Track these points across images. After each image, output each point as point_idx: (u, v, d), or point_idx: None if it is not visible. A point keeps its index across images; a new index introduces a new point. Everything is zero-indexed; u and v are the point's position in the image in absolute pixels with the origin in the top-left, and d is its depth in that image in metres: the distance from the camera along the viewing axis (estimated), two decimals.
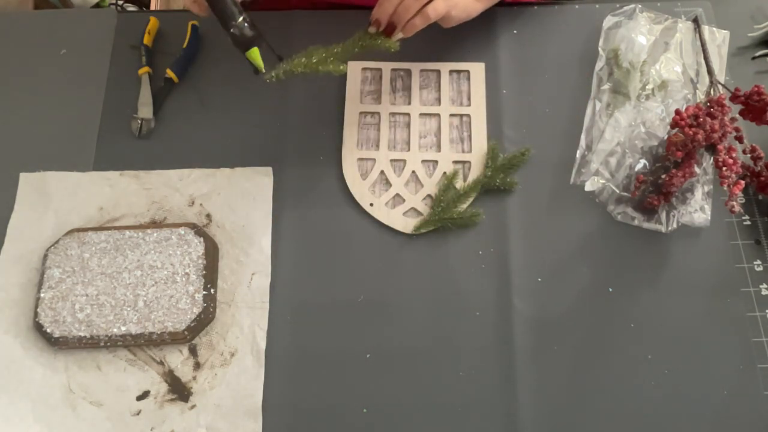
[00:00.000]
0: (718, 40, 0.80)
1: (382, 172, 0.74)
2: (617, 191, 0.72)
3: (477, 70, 0.80)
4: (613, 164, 0.73)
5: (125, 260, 0.67)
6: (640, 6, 0.81)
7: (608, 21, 0.81)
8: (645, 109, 0.75)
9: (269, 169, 0.74)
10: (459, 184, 0.73)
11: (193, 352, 0.66)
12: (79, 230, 0.69)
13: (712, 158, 0.68)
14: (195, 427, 0.63)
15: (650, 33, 0.80)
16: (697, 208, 0.70)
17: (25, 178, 0.74)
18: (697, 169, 0.70)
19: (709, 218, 0.70)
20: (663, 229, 0.70)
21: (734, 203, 0.63)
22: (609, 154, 0.73)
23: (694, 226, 0.70)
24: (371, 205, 0.72)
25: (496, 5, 0.82)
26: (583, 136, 0.75)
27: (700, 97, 0.76)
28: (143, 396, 0.64)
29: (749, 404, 0.64)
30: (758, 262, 0.70)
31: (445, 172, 0.74)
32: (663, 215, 0.70)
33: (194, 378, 0.65)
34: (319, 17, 0.82)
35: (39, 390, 0.64)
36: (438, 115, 0.78)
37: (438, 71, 0.80)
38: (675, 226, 0.70)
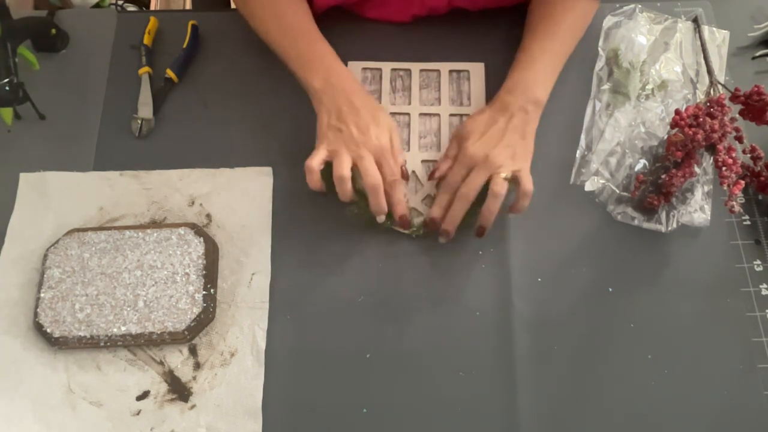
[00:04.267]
0: (718, 40, 0.80)
1: None
2: (617, 191, 0.72)
3: (477, 70, 0.80)
4: (613, 164, 0.73)
5: (125, 260, 0.67)
6: (640, 6, 0.81)
7: (608, 21, 0.81)
8: (645, 109, 0.75)
9: (269, 169, 0.74)
10: None
11: (193, 352, 0.66)
12: (79, 230, 0.69)
13: (712, 158, 0.68)
14: (195, 427, 0.62)
15: (650, 33, 0.80)
16: (697, 208, 0.70)
17: (25, 178, 0.74)
18: (697, 169, 0.70)
19: (709, 218, 0.70)
20: (663, 229, 0.70)
21: (734, 203, 0.63)
22: (609, 154, 0.73)
23: (694, 226, 0.70)
24: None
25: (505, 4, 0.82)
26: (583, 136, 0.75)
27: (700, 97, 0.76)
28: (143, 396, 0.64)
29: (749, 404, 0.64)
30: (758, 262, 0.70)
31: None
32: (663, 215, 0.70)
33: (194, 378, 0.65)
34: (318, 22, 0.82)
35: (39, 390, 0.64)
36: (438, 115, 0.78)
37: (438, 71, 0.80)
38: (675, 226, 0.70)
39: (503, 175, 0.65)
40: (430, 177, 0.71)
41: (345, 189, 0.66)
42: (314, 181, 0.67)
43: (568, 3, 0.75)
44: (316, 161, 0.66)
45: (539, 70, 0.72)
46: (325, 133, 0.68)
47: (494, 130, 0.68)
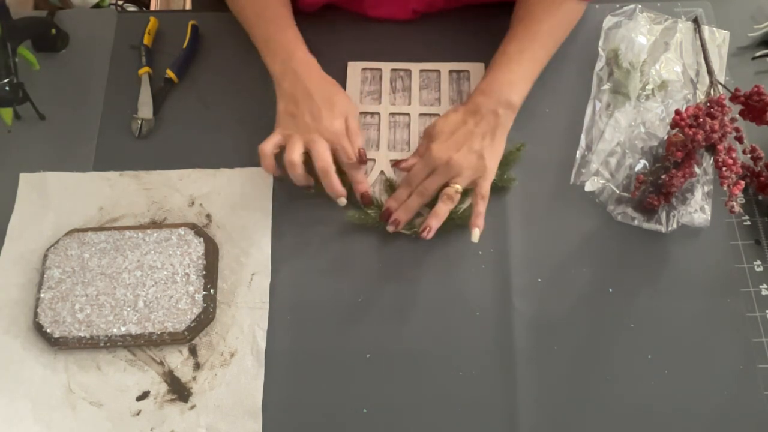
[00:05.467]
0: (718, 40, 0.80)
1: (382, 172, 0.74)
2: (617, 191, 0.72)
3: (477, 70, 0.80)
4: (613, 164, 0.73)
5: (125, 260, 0.67)
6: (640, 6, 0.81)
7: (608, 21, 0.81)
8: (645, 109, 0.75)
9: None
10: None
11: (193, 352, 0.66)
12: (79, 230, 0.69)
13: (712, 158, 0.68)
14: (195, 427, 0.63)
15: (650, 33, 0.80)
16: (697, 208, 0.70)
17: (25, 178, 0.74)
18: (697, 170, 0.70)
19: (709, 218, 0.70)
20: (663, 229, 0.70)
21: (734, 203, 0.63)
22: (609, 154, 0.73)
23: (694, 226, 0.70)
24: None
25: (496, 5, 0.82)
26: (583, 136, 0.75)
27: (700, 97, 0.76)
28: (143, 396, 0.64)
29: (749, 404, 0.64)
30: (758, 262, 0.70)
31: None
32: (663, 215, 0.70)
33: (194, 378, 0.65)
34: (309, 17, 0.82)
35: (39, 390, 0.64)
36: (438, 115, 0.77)
37: (438, 71, 0.80)
38: (675, 226, 0.70)
39: (457, 186, 0.66)
40: (394, 165, 0.72)
41: (297, 174, 0.67)
42: (267, 165, 0.68)
43: (550, 4, 0.74)
44: (268, 145, 0.68)
45: (515, 71, 0.72)
46: (281, 119, 0.70)
47: (461, 133, 0.68)
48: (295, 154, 0.66)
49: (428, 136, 0.71)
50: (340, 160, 0.68)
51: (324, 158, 0.66)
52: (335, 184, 0.67)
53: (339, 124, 0.68)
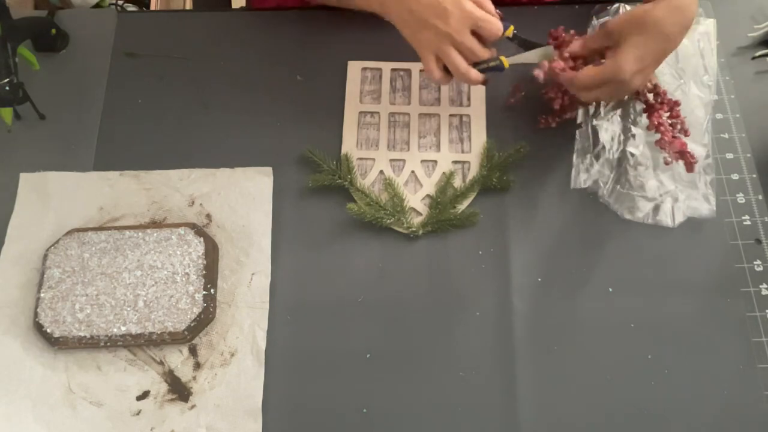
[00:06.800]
0: (704, 28, 0.80)
1: (381, 171, 0.74)
2: (618, 189, 0.72)
3: None
4: (613, 162, 0.73)
5: (125, 260, 0.67)
6: (624, 5, 0.81)
7: (596, 21, 0.81)
8: (640, 102, 0.75)
9: (269, 169, 0.74)
10: (458, 183, 0.73)
11: (193, 352, 0.66)
12: (79, 230, 0.69)
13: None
14: (195, 427, 0.63)
15: None
16: (700, 198, 0.70)
17: (25, 178, 0.74)
18: None
19: (715, 208, 0.70)
20: (670, 223, 0.70)
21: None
22: (608, 152, 0.73)
23: (701, 217, 0.70)
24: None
25: (496, 5, 0.82)
26: (581, 135, 0.75)
27: (693, 87, 0.76)
28: (143, 396, 0.64)
29: (749, 404, 0.64)
30: (758, 262, 0.70)
31: (444, 173, 0.74)
32: (668, 208, 0.70)
33: (194, 378, 0.65)
34: (309, 16, 0.82)
35: (39, 390, 0.64)
36: (438, 115, 0.78)
37: None
38: (682, 219, 0.70)
39: None
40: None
41: (471, 79, 0.67)
42: (470, 79, 0.67)
43: None
44: (435, 71, 0.67)
45: None
46: (417, 39, 0.67)
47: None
48: (461, 64, 0.65)
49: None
50: (493, 34, 0.66)
51: (478, 51, 0.65)
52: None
53: (468, 7, 0.64)
